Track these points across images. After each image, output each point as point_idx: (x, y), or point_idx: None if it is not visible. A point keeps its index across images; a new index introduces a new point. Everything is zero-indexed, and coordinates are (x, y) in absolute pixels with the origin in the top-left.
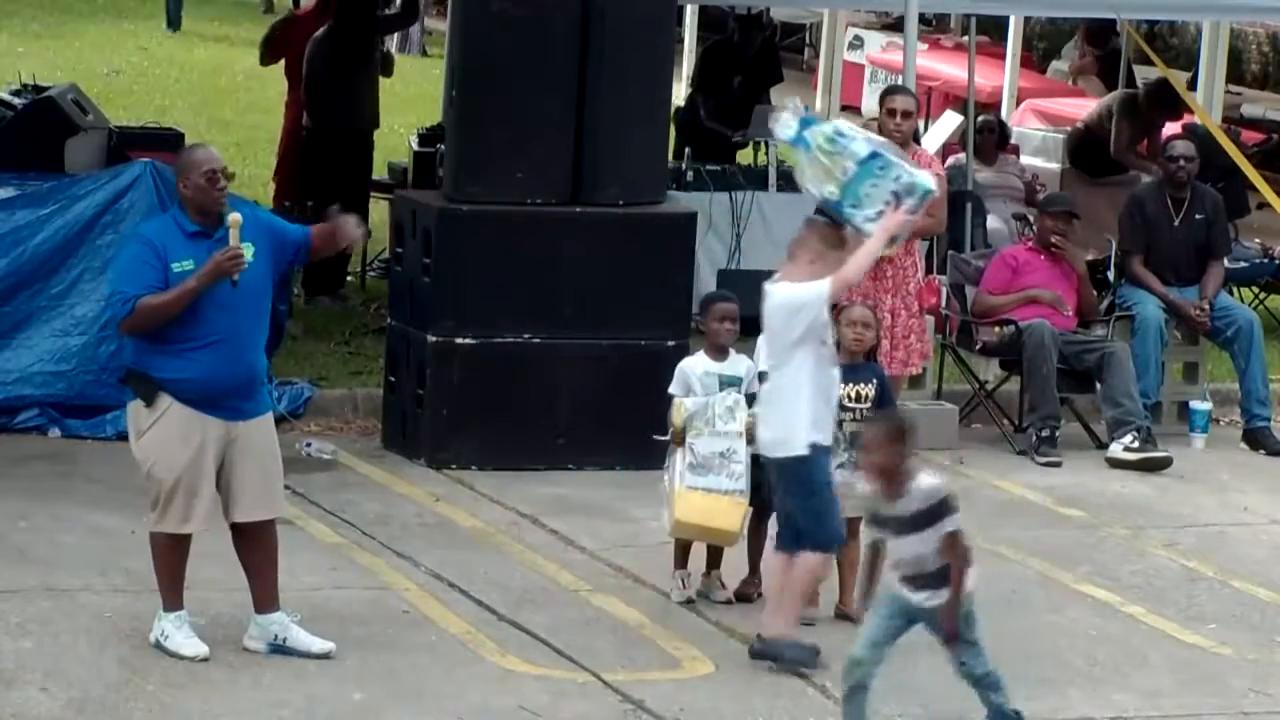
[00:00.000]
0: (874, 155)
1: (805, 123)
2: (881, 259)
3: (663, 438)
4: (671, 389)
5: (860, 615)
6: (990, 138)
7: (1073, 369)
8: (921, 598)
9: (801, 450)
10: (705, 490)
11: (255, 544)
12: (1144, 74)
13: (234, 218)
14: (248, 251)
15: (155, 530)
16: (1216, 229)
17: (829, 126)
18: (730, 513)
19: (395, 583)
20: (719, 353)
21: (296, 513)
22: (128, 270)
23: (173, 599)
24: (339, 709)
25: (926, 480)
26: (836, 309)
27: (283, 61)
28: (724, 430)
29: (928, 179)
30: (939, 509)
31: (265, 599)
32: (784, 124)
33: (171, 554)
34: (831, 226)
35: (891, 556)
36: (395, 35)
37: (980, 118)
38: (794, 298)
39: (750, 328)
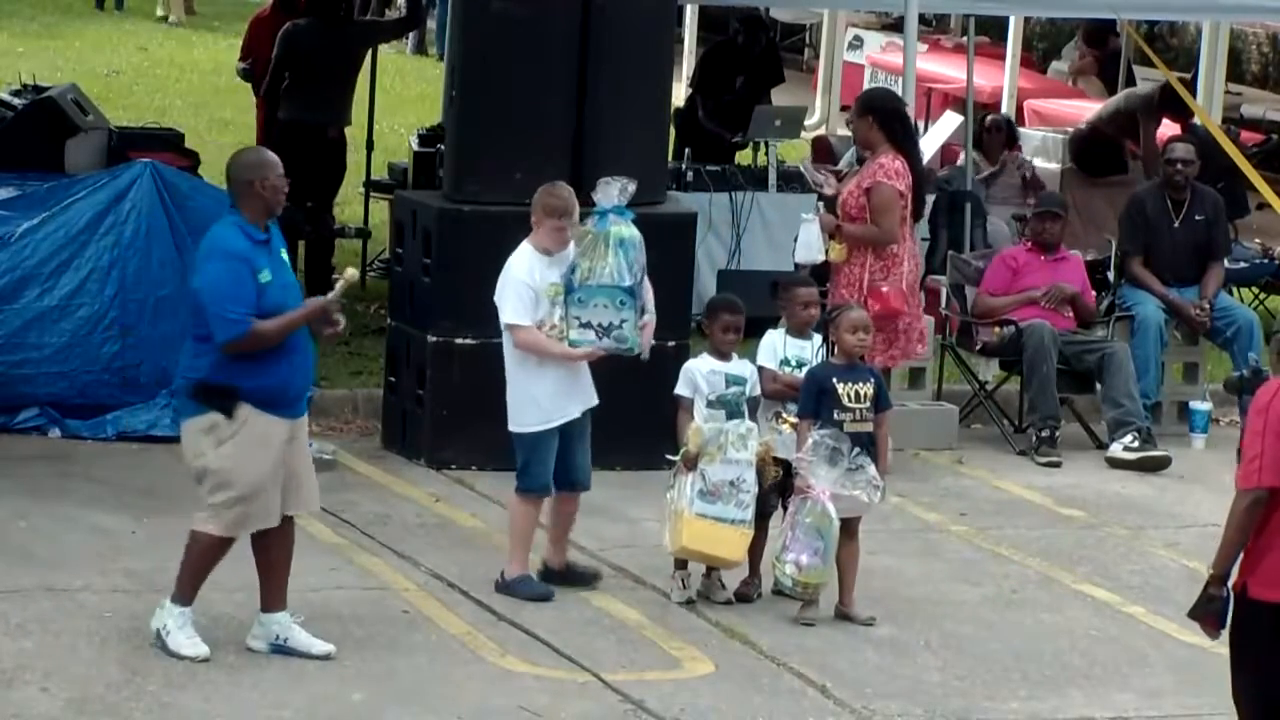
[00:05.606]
0: (629, 289)
1: (619, 211)
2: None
3: (673, 458)
4: (678, 390)
5: (860, 615)
6: (997, 136)
7: (1073, 369)
8: None
9: None
10: (714, 519)
11: (281, 540)
12: (1144, 74)
13: (350, 273)
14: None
15: (203, 530)
16: (1216, 230)
17: (630, 232)
18: (736, 543)
19: (395, 583)
20: (723, 354)
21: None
22: (229, 291)
23: (187, 594)
24: (339, 709)
25: None
26: (834, 313)
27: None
28: (735, 458)
29: (638, 344)
30: None
31: (274, 598)
32: (608, 195)
33: (212, 555)
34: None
35: None
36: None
37: (989, 117)
38: None
39: (752, 328)
